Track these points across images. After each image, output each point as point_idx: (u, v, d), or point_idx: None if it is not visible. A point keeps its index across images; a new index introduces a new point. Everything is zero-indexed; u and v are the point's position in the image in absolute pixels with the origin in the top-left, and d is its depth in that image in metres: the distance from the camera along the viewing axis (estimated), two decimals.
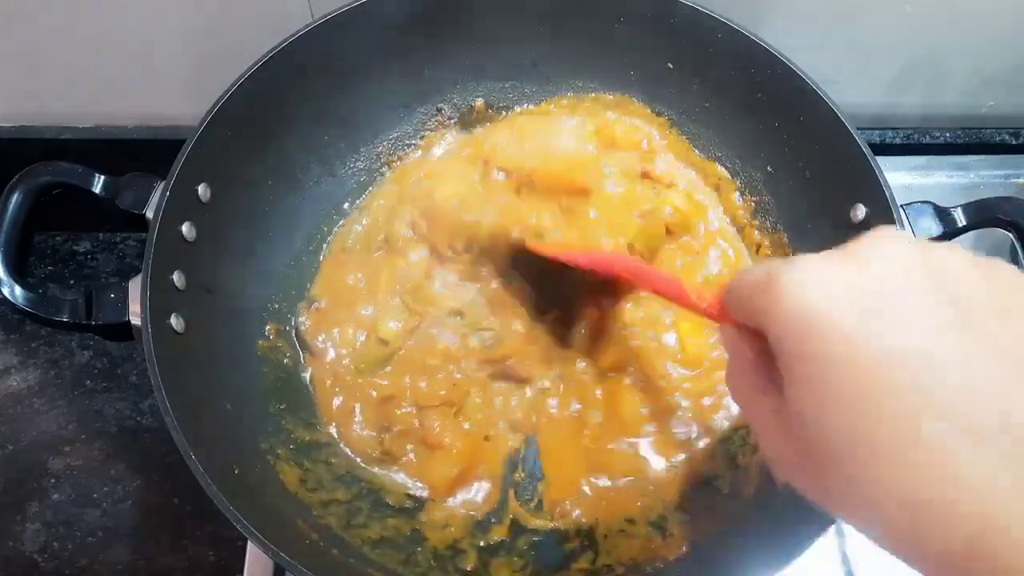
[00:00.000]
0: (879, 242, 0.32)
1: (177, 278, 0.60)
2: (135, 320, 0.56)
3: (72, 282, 0.88)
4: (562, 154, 0.75)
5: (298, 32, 0.65)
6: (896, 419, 0.29)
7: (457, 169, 0.77)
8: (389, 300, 0.71)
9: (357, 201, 0.77)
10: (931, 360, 0.29)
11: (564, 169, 0.73)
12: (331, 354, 0.71)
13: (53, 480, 0.78)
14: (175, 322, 0.58)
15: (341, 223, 0.76)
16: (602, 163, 0.75)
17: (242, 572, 0.66)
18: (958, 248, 0.32)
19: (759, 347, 0.36)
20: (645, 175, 0.75)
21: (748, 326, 0.36)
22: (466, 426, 0.68)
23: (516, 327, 0.70)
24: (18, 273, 0.56)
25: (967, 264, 0.31)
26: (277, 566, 0.65)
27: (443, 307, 0.71)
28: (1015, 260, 0.79)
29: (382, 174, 0.78)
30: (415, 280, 0.71)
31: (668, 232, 0.74)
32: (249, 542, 0.57)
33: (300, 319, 0.71)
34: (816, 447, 0.31)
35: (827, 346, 0.30)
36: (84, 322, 0.56)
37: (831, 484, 0.32)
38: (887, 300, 0.30)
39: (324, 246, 0.75)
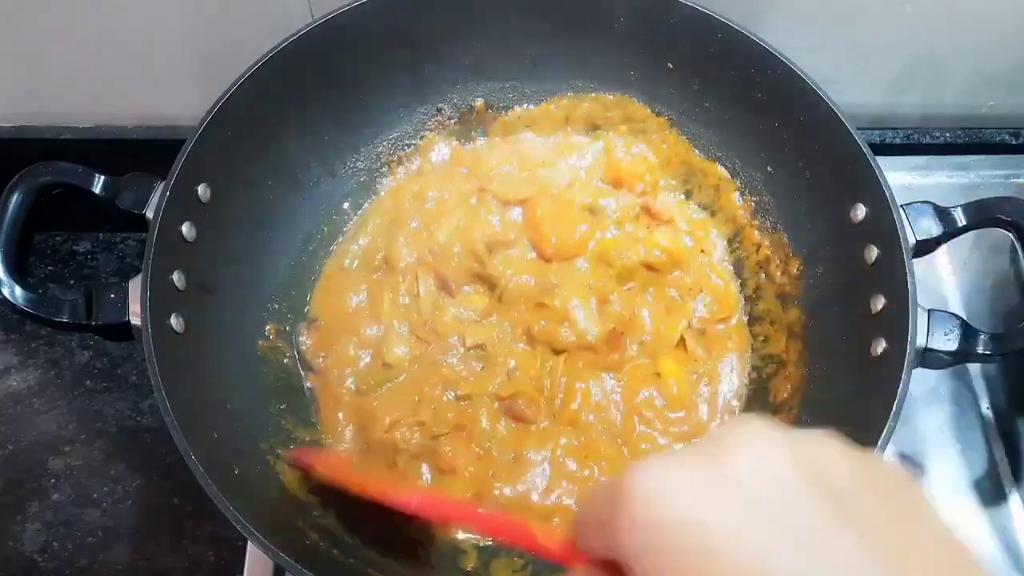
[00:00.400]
0: (741, 435, 0.29)
1: (177, 278, 0.59)
2: (135, 320, 0.56)
3: (72, 282, 0.88)
4: (560, 189, 0.76)
5: (298, 32, 0.65)
6: None
7: (451, 189, 0.76)
8: (395, 325, 0.71)
9: (359, 207, 0.77)
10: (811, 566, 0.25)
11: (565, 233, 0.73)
12: (333, 373, 0.70)
13: (53, 480, 0.77)
14: (175, 322, 0.58)
15: (338, 240, 0.76)
16: (601, 202, 0.75)
17: (242, 572, 0.66)
18: (831, 441, 0.29)
19: None
20: (645, 210, 0.76)
21: (605, 561, 0.31)
22: (476, 450, 0.68)
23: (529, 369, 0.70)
24: (18, 273, 0.56)
25: (842, 459, 0.28)
26: (277, 566, 0.65)
27: (460, 339, 0.71)
28: (1015, 260, 0.79)
29: (383, 174, 0.78)
30: (425, 313, 0.71)
31: (654, 269, 0.73)
32: (249, 542, 0.57)
33: (300, 338, 0.71)
34: None
35: (688, 561, 0.26)
36: (84, 322, 0.56)
37: None
38: (757, 503, 0.27)
39: (321, 262, 0.75)
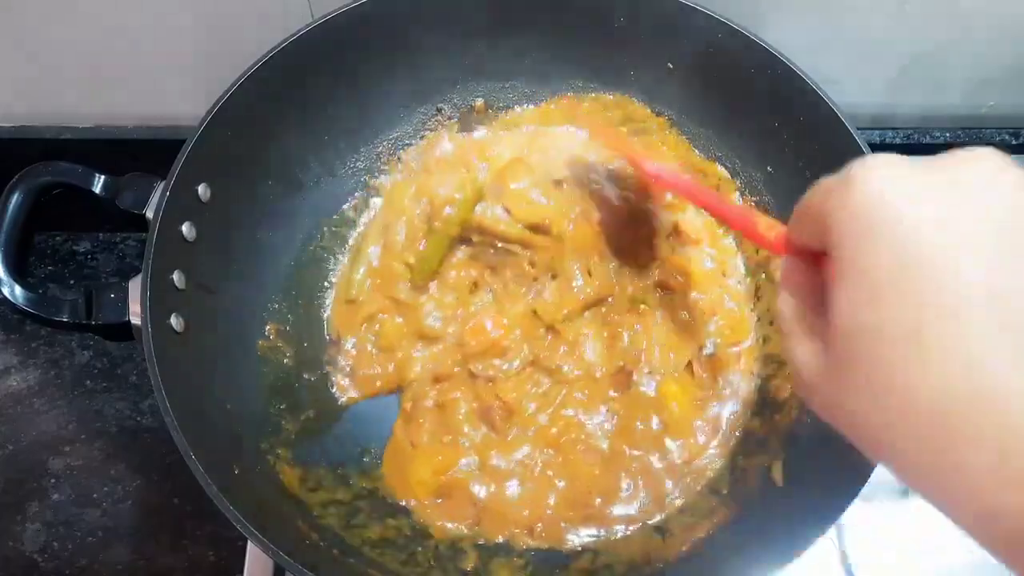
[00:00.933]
0: (979, 153, 0.30)
1: (177, 278, 0.60)
2: (135, 320, 0.56)
3: (72, 282, 0.88)
4: None
5: (298, 32, 0.65)
6: (941, 321, 0.27)
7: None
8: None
9: (359, 207, 0.77)
10: (992, 284, 0.27)
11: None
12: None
13: (53, 480, 0.78)
14: (175, 322, 0.58)
15: (335, 271, 0.76)
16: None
17: (242, 572, 0.66)
18: None
19: (814, 281, 0.36)
20: (674, 228, 0.74)
21: (811, 250, 0.36)
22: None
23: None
24: (18, 273, 0.56)
25: None
26: (277, 566, 0.65)
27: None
28: None
29: (383, 173, 0.78)
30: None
31: (670, 289, 0.72)
32: (249, 542, 0.57)
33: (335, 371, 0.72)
34: (852, 350, 0.30)
35: (886, 238, 0.28)
36: (84, 322, 0.56)
37: (860, 397, 0.30)
38: (977, 216, 0.28)
39: (328, 289, 0.76)
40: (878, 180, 0.29)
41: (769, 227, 0.43)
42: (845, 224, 0.30)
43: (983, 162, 0.30)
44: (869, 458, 0.32)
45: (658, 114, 0.77)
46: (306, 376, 0.70)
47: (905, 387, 0.28)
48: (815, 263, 0.37)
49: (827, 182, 0.33)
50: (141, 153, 0.82)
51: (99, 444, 0.79)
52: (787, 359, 0.36)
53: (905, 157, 0.30)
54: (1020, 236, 0.27)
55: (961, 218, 0.28)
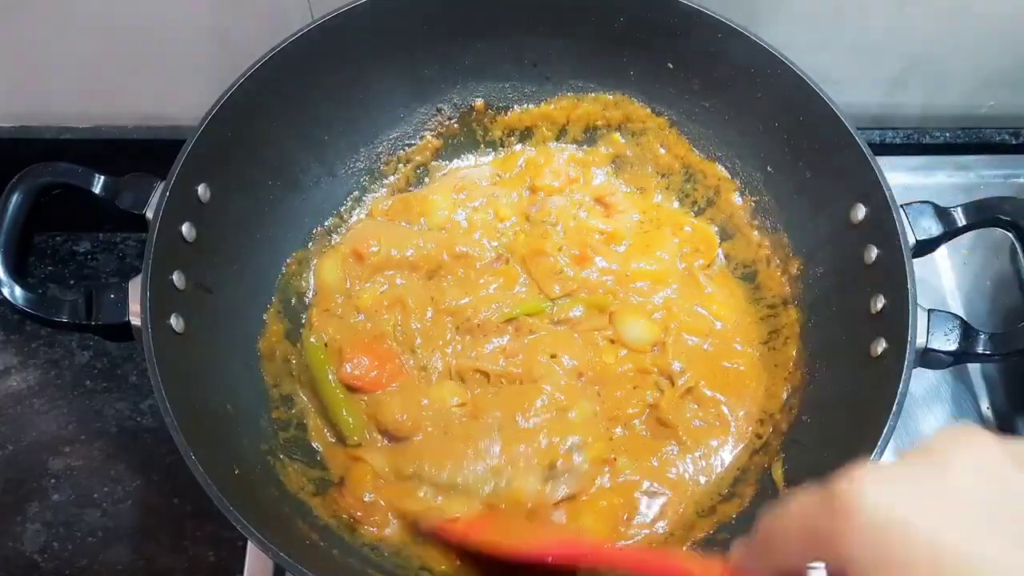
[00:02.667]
0: (959, 445, 0.31)
1: (177, 278, 0.60)
2: (135, 320, 0.56)
3: (72, 282, 0.88)
4: None
5: (298, 32, 0.65)
6: None
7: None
8: None
9: (358, 208, 0.78)
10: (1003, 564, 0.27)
11: None
12: None
13: (53, 480, 0.77)
14: (175, 322, 0.58)
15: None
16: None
17: (242, 572, 0.66)
18: None
19: None
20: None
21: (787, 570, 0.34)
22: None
23: None
24: (18, 273, 0.56)
25: None
26: (277, 566, 0.65)
27: None
28: (1015, 260, 0.79)
29: (383, 174, 0.78)
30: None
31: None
32: (249, 542, 0.57)
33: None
34: None
35: (910, 552, 0.28)
36: (84, 322, 0.56)
37: None
38: (984, 515, 0.29)
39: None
40: (884, 494, 0.29)
41: (705, 569, 0.40)
42: (859, 547, 0.29)
43: (969, 450, 0.30)
44: None
45: (658, 114, 0.77)
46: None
47: None
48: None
49: (809, 502, 0.32)
50: (141, 153, 0.82)
51: (99, 444, 0.79)
52: None
53: (893, 464, 0.31)
54: (1017, 509, 0.28)
55: (973, 523, 0.28)
